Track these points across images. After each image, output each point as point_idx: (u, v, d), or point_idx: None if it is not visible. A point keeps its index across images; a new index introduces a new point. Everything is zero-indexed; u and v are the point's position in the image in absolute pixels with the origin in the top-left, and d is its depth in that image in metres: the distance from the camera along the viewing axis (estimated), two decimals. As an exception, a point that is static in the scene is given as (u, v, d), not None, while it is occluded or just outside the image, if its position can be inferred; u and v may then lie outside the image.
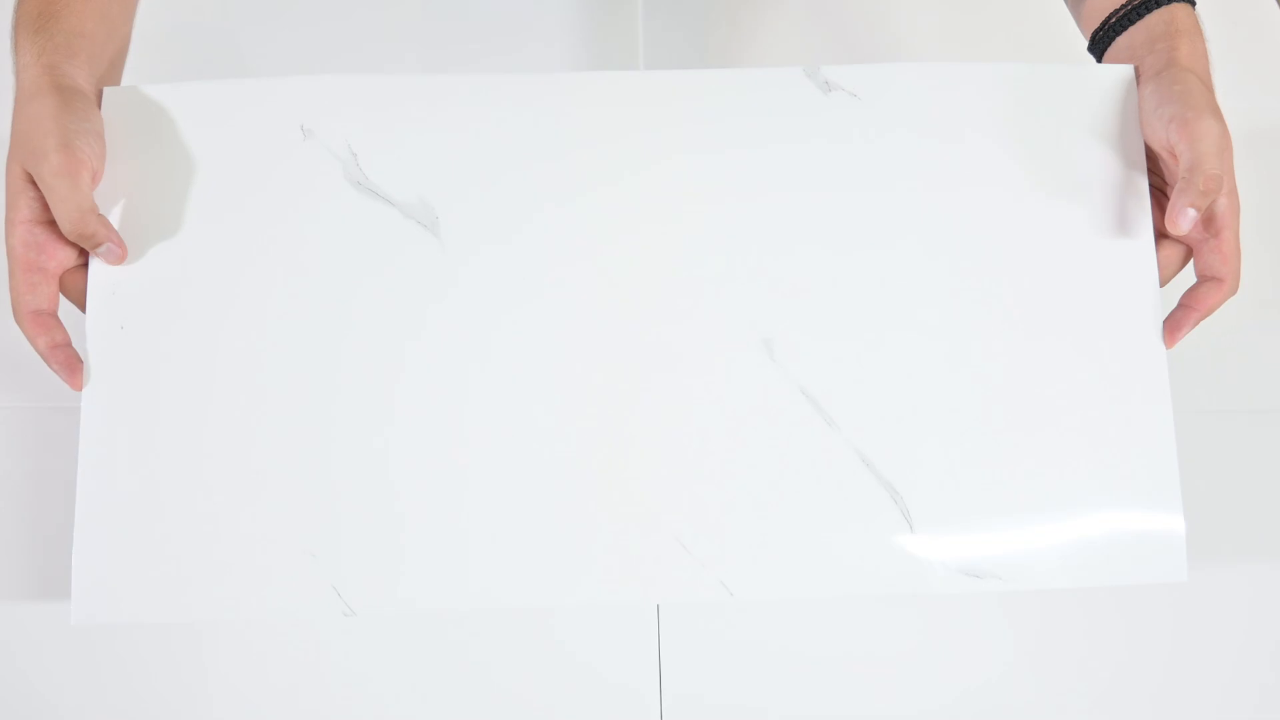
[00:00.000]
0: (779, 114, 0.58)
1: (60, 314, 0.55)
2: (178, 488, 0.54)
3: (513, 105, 0.58)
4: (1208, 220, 0.56)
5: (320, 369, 0.55)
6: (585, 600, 0.54)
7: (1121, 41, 0.60)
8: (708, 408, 0.56)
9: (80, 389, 0.55)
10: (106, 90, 0.57)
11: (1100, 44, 0.61)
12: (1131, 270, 0.57)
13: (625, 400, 0.55)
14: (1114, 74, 0.59)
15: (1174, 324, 0.58)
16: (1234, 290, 0.57)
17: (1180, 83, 0.56)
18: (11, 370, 0.62)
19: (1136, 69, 0.59)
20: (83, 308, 0.56)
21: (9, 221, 0.54)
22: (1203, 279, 0.57)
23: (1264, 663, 0.58)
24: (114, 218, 0.56)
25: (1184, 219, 0.54)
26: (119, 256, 0.55)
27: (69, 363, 0.55)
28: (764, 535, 0.55)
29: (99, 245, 0.54)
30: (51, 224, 0.54)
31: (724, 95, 0.58)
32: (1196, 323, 0.57)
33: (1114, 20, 0.60)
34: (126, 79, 0.60)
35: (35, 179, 0.53)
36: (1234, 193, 0.56)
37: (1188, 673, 0.58)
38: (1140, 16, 0.59)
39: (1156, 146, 0.57)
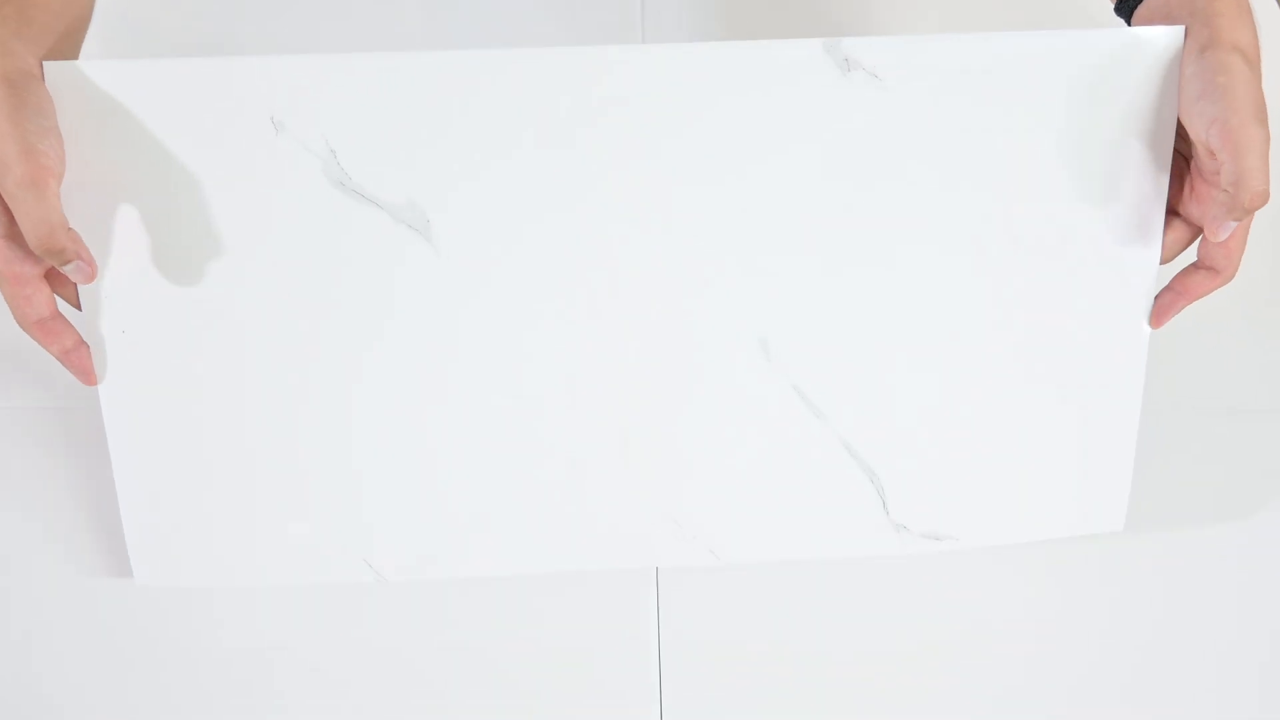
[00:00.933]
0: (791, 99, 0.53)
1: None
2: (205, 476, 0.58)
3: (505, 86, 0.53)
4: None
5: (325, 378, 0.57)
6: (587, 565, 0.61)
7: (1147, 6, 0.54)
8: (702, 402, 0.58)
9: (95, 385, 0.57)
10: (48, 65, 0.51)
11: (1128, 6, 0.55)
12: (1132, 250, 0.57)
13: (625, 395, 0.58)
14: (1157, 39, 0.53)
15: (1163, 307, 0.59)
16: (1228, 281, 0.57)
17: (1225, 72, 0.52)
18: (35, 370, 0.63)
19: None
20: (71, 304, 0.56)
21: None
22: (1200, 266, 0.57)
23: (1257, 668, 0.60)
24: (74, 219, 0.53)
25: (1224, 230, 0.54)
26: (88, 275, 0.53)
27: (83, 364, 0.56)
28: (747, 508, 0.60)
29: (68, 263, 0.52)
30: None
31: (734, 74, 0.53)
32: (1183, 308, 0.58)
33: None
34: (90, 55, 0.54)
35: (5, 194, 0.50)
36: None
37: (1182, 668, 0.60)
38: None
39: (1193, 137, 0.54)
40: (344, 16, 0.70)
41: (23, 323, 0.54)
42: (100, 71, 0.51)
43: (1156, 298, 0.58)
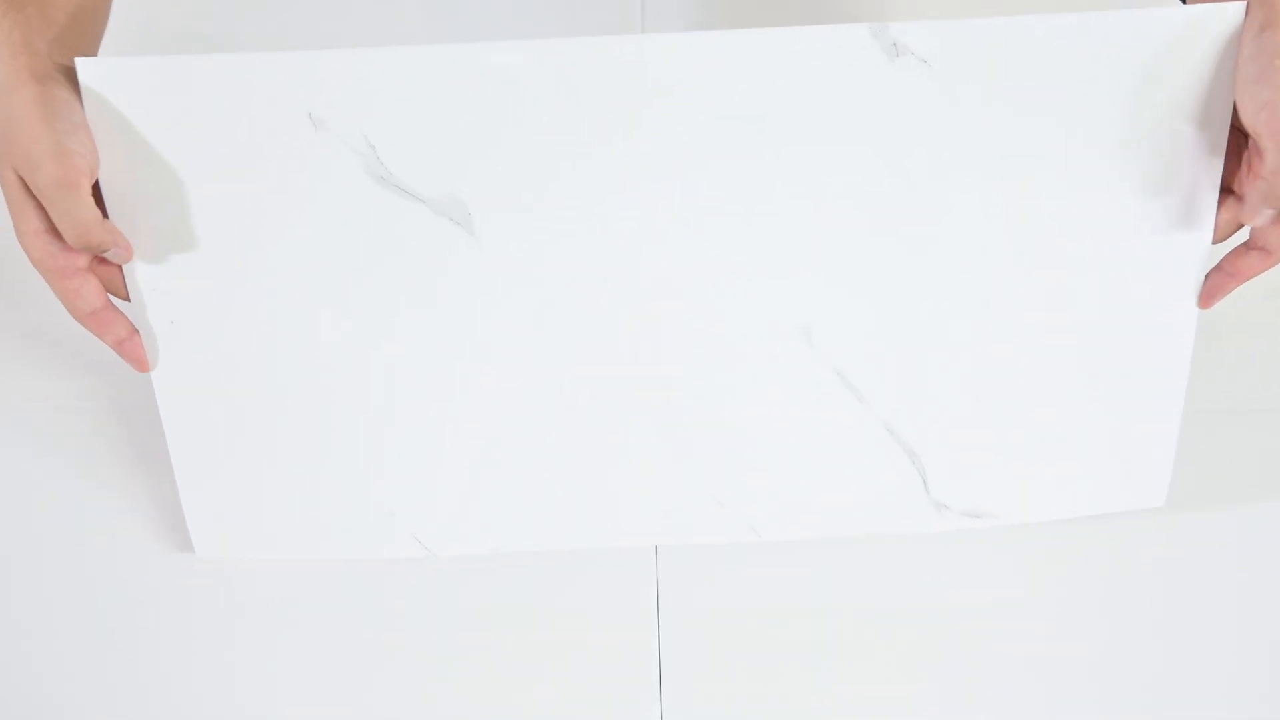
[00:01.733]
0: (838, 86, 0.52)
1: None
2: (254, 457, 0.60)
3: (545, 77, 0.52)
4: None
5: (367, 365, 0.57)
6: (631, 541, 0.62)
7: None
8: (746, 387, 0.58)
9: (148, 371, 0.58)
10: (80, 62, 0.51)
11: None
12: (1184, 227, 0.56)
13: (667, 380, 0.58)
14: (1214, 19, 0.51)
15: (1213, 288, 0.58)
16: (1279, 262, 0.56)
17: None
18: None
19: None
20: (118, 295, 0.56)
21: (22, 234, 0.52)
22: (1251, 247, 0.56)
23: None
24: (115, 214, 0.53)
25: (1259, 217, 0.53)
26: (125, 257, 0.54)
27: (137, 354, 0.57)
28: (789, 489, 0.61)
29: (106, 251, 0.53)
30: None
31: (779, 60, 0.52)
32: (1233, 289, 0.57)
33: None
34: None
35: (33, 189, 0.51)
36: None
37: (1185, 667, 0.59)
38: None
39: (1244, 120, 0.52)
40: (344, 16, 0.69)
41: (76, 315, 0.55)
42: (137, 68, 0.51)
43: (1207, 277, 0.58)
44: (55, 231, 0.52)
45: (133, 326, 0.56)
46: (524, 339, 0.57)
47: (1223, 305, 0.58)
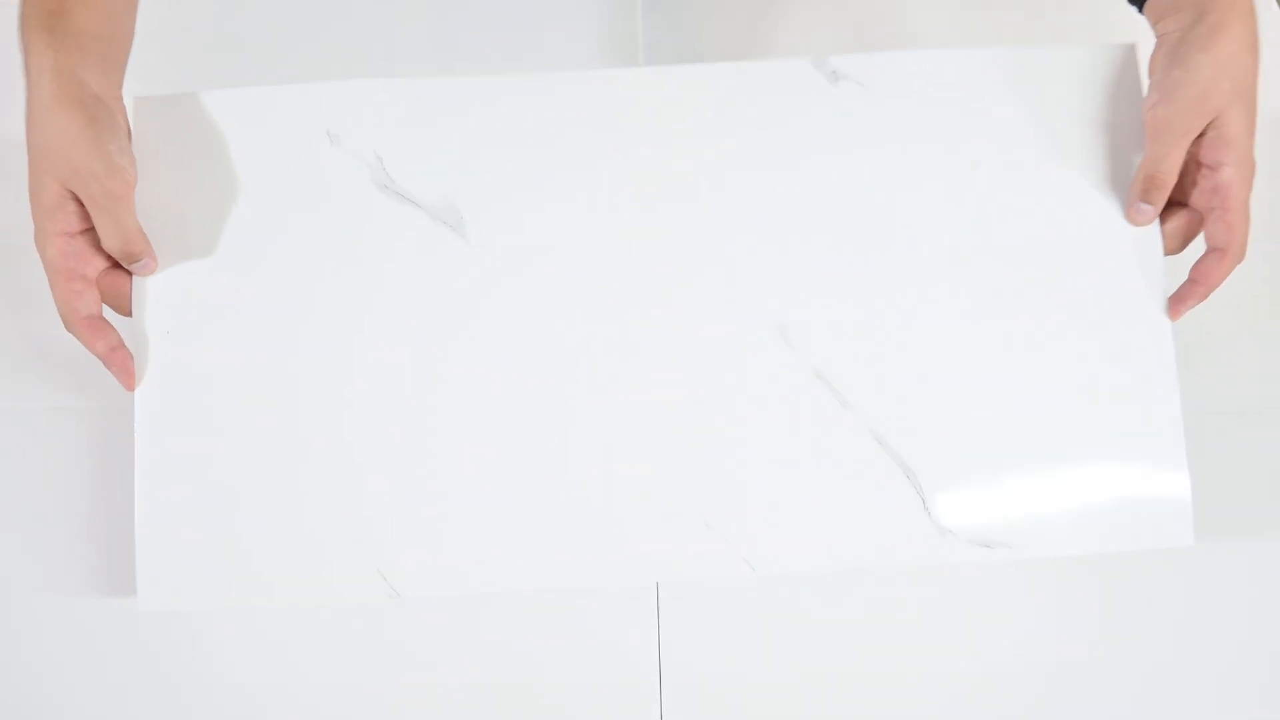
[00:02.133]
0: (786, 110, 0.60)
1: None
2: (229, 486, 0.57)
3: (529, 104, 0.59)
4: (1213, 189, 0.57)
5: (356, 367, 0.58)
6: (614, 580, 0.57)
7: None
8: (727, 393, 0.58)
9: (134, 389, 0.58)
10: (137, 100, 0.59)
11: None
12: (1137, 243, 0.59)
13: (647, 386, 0.58)
14: (1114, 53, 0.60)
15: (1179, 297, 0.59)
16: (1238, 260, 0.57)
17: (1182, 66, 0.55)
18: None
19: (1158, 38, 0.57)
20: (117, 309, 0.58)
21: (45, 234, 0.56)
22: (1209, 251, 0.58)
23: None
24: (148, 227, 0.58)
25: (1138, 214, 0.59)
26: (151, 269, 0.58)
27: (125, 365, 0.57)
28: (783, 513, 0.58)
29: (139, 261, 0.57)
30: (86, 234, 0.56)
31: (734, 89, 0.60)
32: (1203, 296, 0.58)
33: None
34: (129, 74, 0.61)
35: (83, 198, 0.55)
36: (1243, 162, 0.56)
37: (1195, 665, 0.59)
38: None
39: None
40: (346, 16, 0.76)
41: (71, 319, 0.57)
42: (184, 102, 0.59)
43: (1173, 292, 0.59)
44: (80, 234, 0.56)
45: (122, 340, 0.58)
46: (506, 339, 0.58)
47: (1222, 306, 0.59)
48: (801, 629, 0.59)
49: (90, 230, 0.57)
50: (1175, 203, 0.59)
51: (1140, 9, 0.59)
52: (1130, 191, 0.59)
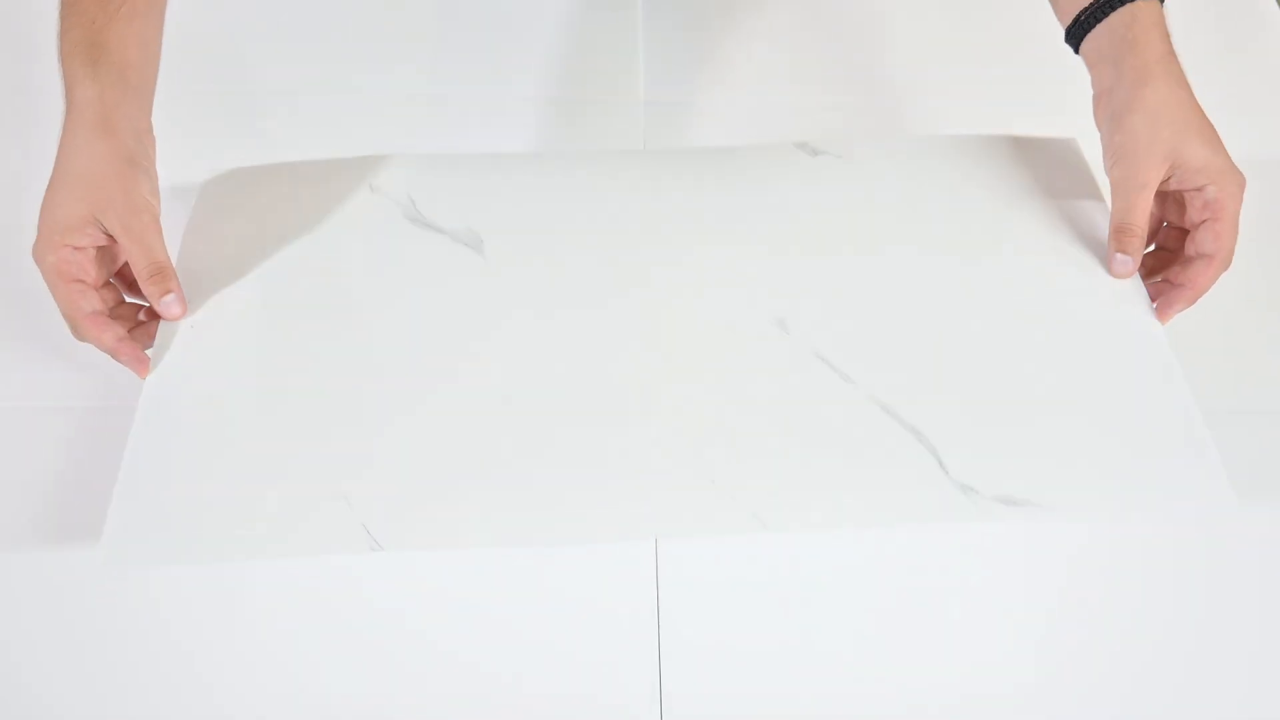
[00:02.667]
0: (771, 177, 0.68)
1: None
2: (219, 451, 0.56)
3: (543, 172, 0.68)
4: (1204, 205, 0.59)
5: (374, 351, 0.60)
6: (625, 535, 0.54)
7: (1089, 44, 0.61)
8: (733, 376, 0.59)
9: (145, 377, 0.59)
10: (209, 181, 0.68)
11: (1074, 38, 0.63)
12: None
13: (654, 373, 0.59)
14: (1059, 146, 0.69)
15: (1167, 301, 0.60)
16: (1224, 267, 0.59)
17: (1121, 130, 0.60)
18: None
19: (1094, 98, 0.62)
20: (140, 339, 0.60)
21: (51, 244, 0.56)
22: (1197, 257, 0.59)
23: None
24: (206, 271, 0.62)
25: (1117, 265, 0.61)
26: (177, 314, 0.59)
27: (137, 354, 0.58)
28: (792, 474, 0.55)
29: (167, 294, 0.59)
30: (93, 253, 0.58)
31: (723, 169, 0.68)
32: (1190, 301, 0.59)
33: (1083, 18, 0.61)
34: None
35: (121, 229, 0.57)
36: (1224, 176, 0.58)
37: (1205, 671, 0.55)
38: (1105, 15, 0.60)
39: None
40: (352, 14, 0.79)
41: (75, 318, 0.57)
42: (251, 172, 0.68)
43: (1160, 298, 0.61)
44: (87, 253, 0.57)
45: (126, 332, 0.59)
46: (522, 338, 0.60)
47: (1224, 306, 0.61)
48: (800, 612, 0.57)
49: (98, 251, 0.58)
50: (1176, 226, 0.61)
51: (1076, 50, 0.63)
52: (1108, 246, 0.61)
